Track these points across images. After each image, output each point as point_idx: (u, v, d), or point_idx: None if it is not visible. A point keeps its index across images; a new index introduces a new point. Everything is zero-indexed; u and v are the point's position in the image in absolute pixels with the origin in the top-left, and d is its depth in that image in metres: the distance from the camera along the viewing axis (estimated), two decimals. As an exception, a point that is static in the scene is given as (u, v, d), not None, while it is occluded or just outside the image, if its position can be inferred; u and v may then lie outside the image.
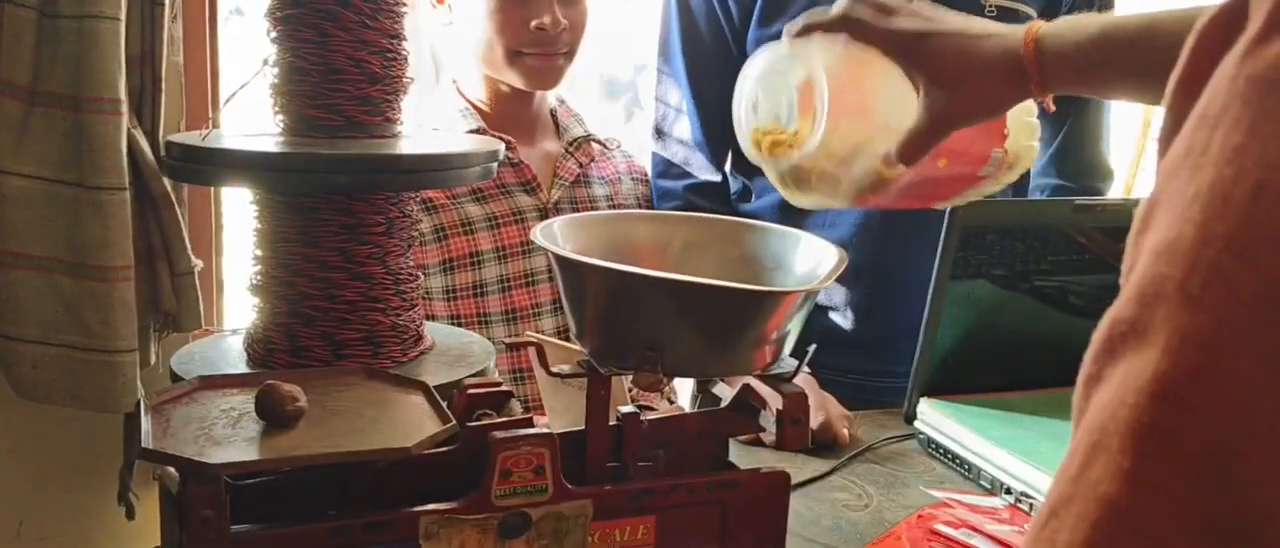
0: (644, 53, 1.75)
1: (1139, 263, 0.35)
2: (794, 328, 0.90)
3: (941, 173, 0.98)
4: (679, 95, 1.59)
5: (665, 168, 1.61)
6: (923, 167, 0.93)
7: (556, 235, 0.94)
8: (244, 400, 0.89)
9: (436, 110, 1.51)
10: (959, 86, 0.88)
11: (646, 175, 1.65)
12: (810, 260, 0.97)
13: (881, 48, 0.91)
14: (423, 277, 1.29)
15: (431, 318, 1.39)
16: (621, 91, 2.96)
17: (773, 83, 0.99)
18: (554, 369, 0.94)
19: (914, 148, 0.90)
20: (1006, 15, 1.44)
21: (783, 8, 1.47)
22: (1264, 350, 0.31)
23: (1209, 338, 0.32)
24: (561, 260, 0.89)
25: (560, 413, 1.11)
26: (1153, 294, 0.34)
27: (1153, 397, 0.33)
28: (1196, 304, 0.32)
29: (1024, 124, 1.00)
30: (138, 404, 0.87)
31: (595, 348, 0.91)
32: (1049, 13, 1.49)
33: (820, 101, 0.92)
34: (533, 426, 0.90)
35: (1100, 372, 0.36)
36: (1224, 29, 0.35)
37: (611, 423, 0.94)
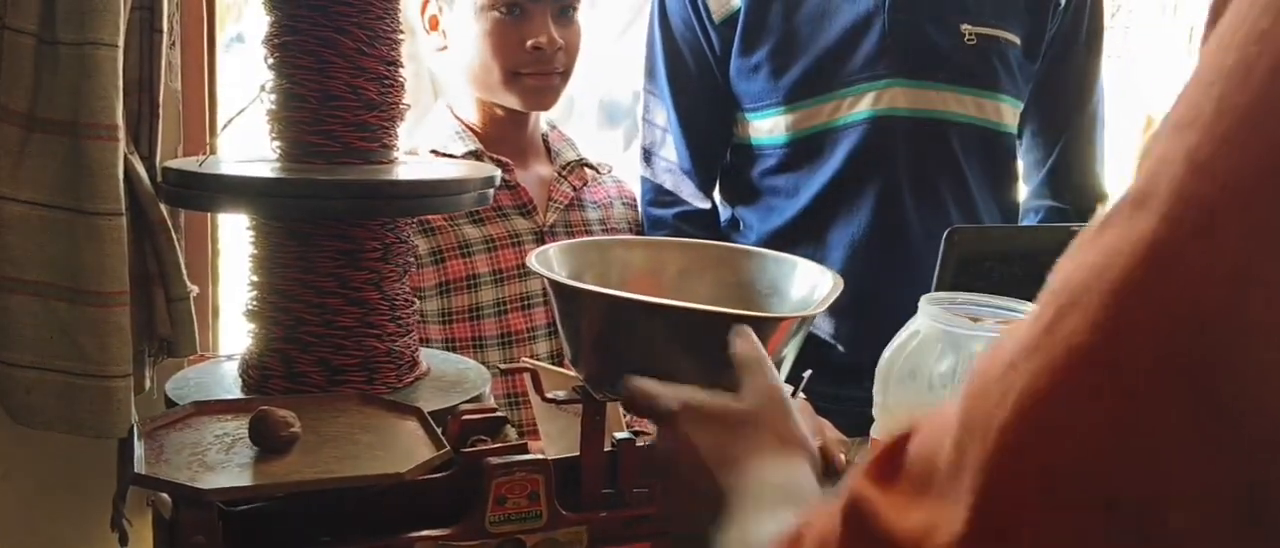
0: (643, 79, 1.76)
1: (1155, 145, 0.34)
2: (789, 353, 0.90)
3: None
4: (665, 117, 1.59)
5: (655, 195, 1.62)
6: None
7: (551, 261, 0.94)
8: (238, 426, 0.89)
9: (431, 133, 1.52)
10: None
11: (635, 199, 1.65)
12: (806, 285, 0.97)
13: None
14: (418, 301, 1.29)
15: (426, 342, 1.39)
16: (620, 117, 2.96)
17: None
18: (549, 395, 0.94)
19: None
20: (987, 42, 1.45)
21: (758, 38, 1.48)
22: (1265, 220, 0.31)
23: (1212, 203, 0.31)
24: (556, 286, 0.89)
25: (556, 438, 1.11)
26: (1159, 168, 0.33)
27: (1144, 259, 0.32)
28: (1203, 171, 0.32)
29: None
30: (131, 430, 0.87)
31: (590, 374, 0.91)
32: (1033, 40, 1.50)
33: None
34: (527, 451, 0.90)
35: (1079, 247, 0.36)
36: None
37: (607, 449, 0.94)
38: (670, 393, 0.73)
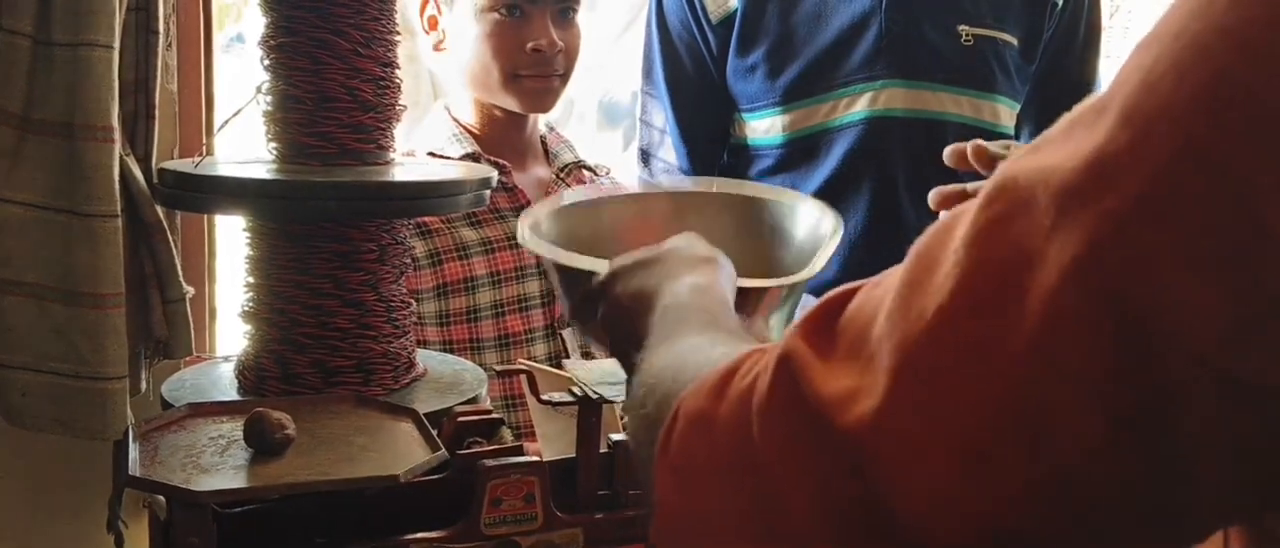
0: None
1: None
2: (777, 321, 0.86)
3: None
4: (663, 118, 1.59)
5: None
6: None
7: (541, 224, 0.90)
8: (233, 428, 0.89)
9: (429, 135, 1.52)
10: None
11: None
12: (809, 221, 0.95)
13: None
14: (416, 303, 1.29)
15: (424, 344, 1.39)
16: (620, 118, 2.96)
17: None
18: (544, 397, 0.93)
19: None
20: (985, 43, 1.45)
21: (755, 39, 1.48)
22: (1194, 135, 0.32)
23: (1151, 118, 0.33)
24: (547, 261, 0.86)
25: (552, 440, 1.11)
26: (1122, 78, 0.35)
27: (1088, 167, 0.34)
28: (1151, 90, 0.33)
29: None
30: (126, 432, 0.87)
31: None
32: (1030, 41, 1.50)
33: None
34: (523, 453, 0.90)
35: (1040, 145, 0.38)
36: None
37: (603, 450, 0.94)
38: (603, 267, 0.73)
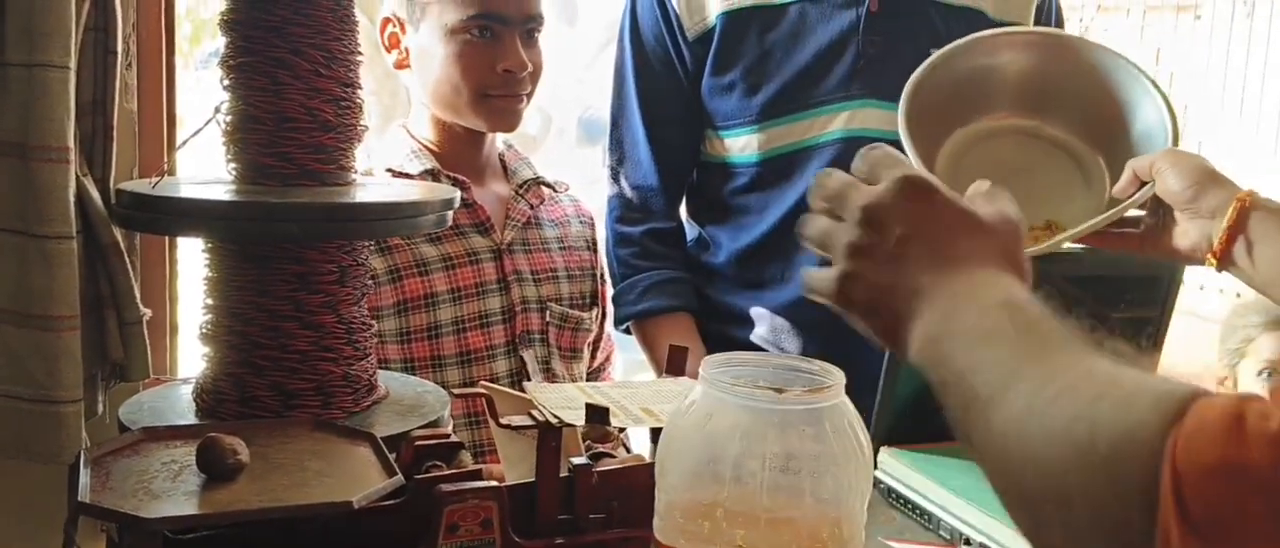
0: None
1: None
2: None
3: None
4: (634, 134, 1.59)
5: (623, 211, 1.61)
6: None
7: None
8: (186, 453, 0.88)
9: (387, 152, 1.51)
10: None
11: (592, 219, 1.65)
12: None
13: None
14: (377, 321, 1.28)
15: (385, 361, 1.38)
16: (600, 135, 2.96)
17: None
18: (503, 421, 0.92)
19: None
20: (960, 13, 1.46)
21: (733, 57, 1.48)
22: None
23: None
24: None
25: (516, 462, 1.10)
26: None
27: None
28: None
29: None
30: (79, 456, 0.86)
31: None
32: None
33: None
34: (481, 478, 0.89)
35: None
36: None
37: (563, 475, 0.93)
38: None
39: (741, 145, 1.52)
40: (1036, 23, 1.52)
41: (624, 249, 1.59)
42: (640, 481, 0.98)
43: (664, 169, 1.57)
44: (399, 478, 0.84)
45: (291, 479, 0.84)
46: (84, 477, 0.82)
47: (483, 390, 0.96)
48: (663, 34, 1.54)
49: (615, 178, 1.62)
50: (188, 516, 0.78)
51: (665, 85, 1.55)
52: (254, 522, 0.82)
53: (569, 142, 2.93)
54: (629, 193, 1.60)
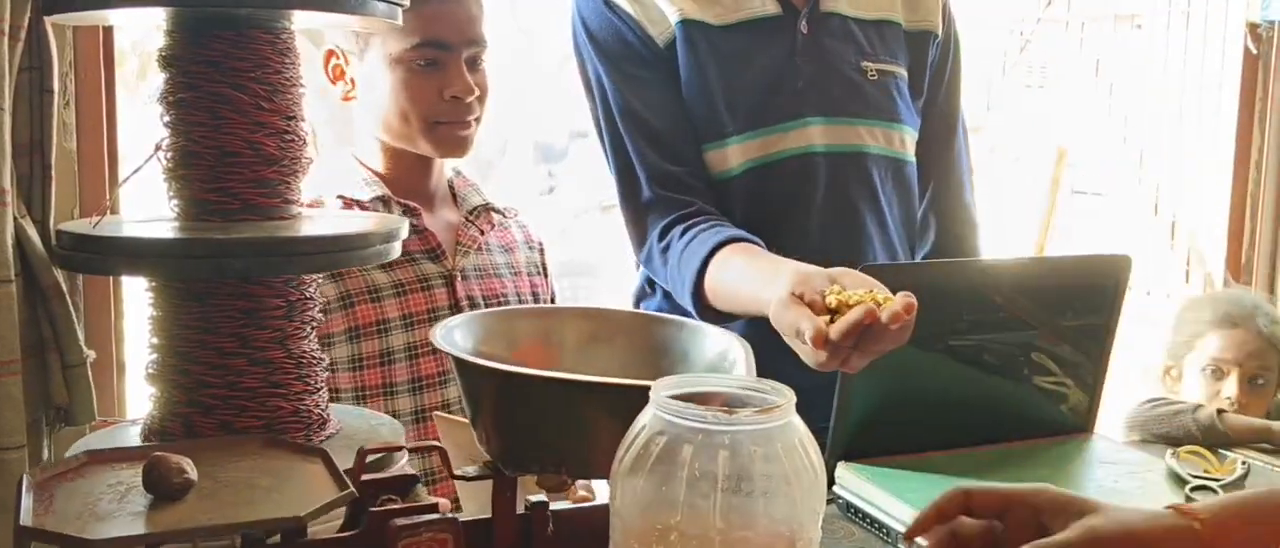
0: (579, 120, 1.69)
1: None
2: None
3: None
4: (626, 156, 1.47)
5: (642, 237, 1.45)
6: None
7: (454, 335, 0.92)
8: (133, 475, 0.86)
9: (335, 181, 1.49)
10: None
11: (541, 244, 1.64)
12: (717, 349, 0.96)
13: None
14: (328, 348, 1.26)
15: (336, 390, 1.36)
16: (555, 157, 2.97)
17: None
18: (458, 472, 0.92)
19: None
20: (886, 77, 1.47)
21: (688, 74, 1.44)
22: None
23: None
24: (458, 363, 0.88)
25: (476, 493, 1.09)
26: None
27: None
28: None
29: None
30: (20, 481, 0.84)
31: (497, 451, 0.89)
32: (916, 74, 1.51)
33: None
34: (437, 511, 0.88)
35: None
36: None
37: (519, 512, 0.92)
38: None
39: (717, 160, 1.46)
40: (941, 27, 1.54)
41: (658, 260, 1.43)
42: (597, 519, 0.98)
43: (676, 162, 1.44)
44: (350, 490, 0.83)
45: (240, 497, 0.83)
46: (26, 501, 0.81)
47: (436, 445, 0.96)
48: (633, 42, 1.46)
49: (626, 202, 1.46)
50: (132, 536, 0.77)
51: (654, 94, 1.43)
52: (203, 542, 0.80)
53: (526, 162, 2.93)
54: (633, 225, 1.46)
